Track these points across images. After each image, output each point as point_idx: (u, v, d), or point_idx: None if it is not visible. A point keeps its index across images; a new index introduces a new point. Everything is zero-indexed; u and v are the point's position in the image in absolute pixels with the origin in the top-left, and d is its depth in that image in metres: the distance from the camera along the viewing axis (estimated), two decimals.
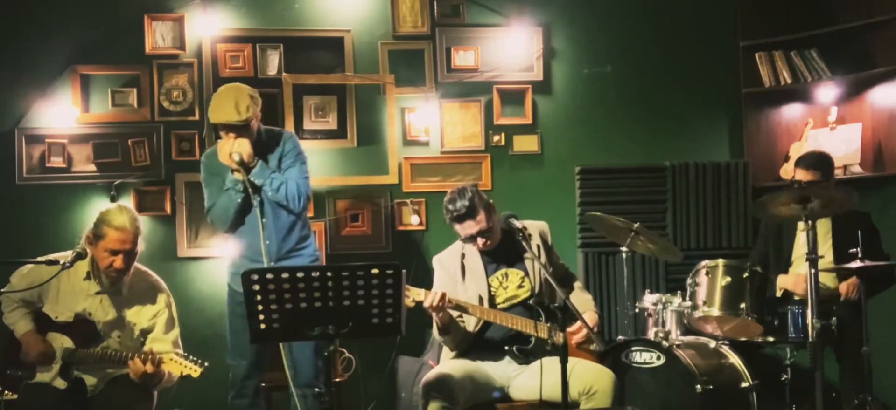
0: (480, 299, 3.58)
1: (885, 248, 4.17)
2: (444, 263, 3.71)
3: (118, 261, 3.44)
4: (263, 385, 4.06)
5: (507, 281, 3.64)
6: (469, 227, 3.56)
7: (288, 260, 3.86)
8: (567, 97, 5.14)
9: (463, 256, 3.69)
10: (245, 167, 3.74)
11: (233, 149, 3.74)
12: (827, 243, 4.19)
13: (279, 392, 4.20)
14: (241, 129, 3.77)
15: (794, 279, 4.19)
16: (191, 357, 3.44)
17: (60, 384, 3.47)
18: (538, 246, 3.70)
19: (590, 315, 3.62)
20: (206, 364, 3.44)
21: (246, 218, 3.86)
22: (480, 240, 3.60)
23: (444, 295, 3.38)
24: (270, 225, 3.83)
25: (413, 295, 3.36)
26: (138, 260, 3.71)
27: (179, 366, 3.41)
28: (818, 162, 4.21)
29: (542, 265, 3.54)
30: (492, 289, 3.62)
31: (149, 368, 3.37)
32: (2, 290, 3.57)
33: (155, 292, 3.65)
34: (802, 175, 4.17)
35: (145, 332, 3.59)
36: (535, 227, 3.76)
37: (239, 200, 3.80)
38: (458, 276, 3.65)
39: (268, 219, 3.82)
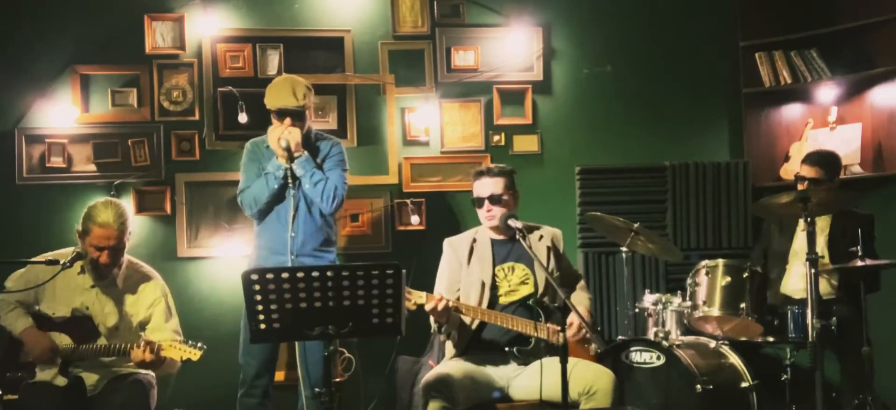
0: (483, 285, 3.61)
1: (885, 248, 4.17)
2: (454, 245, 3.76)
3: (103, 257, 3.46)
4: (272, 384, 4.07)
5: (512, 275, 3.67)
6: (484, 185, 3.68)
7: (310, 258, 3.89)
8: (567, 97, 5.14)
9: (474, 241, 3.73)
10: (290, 155, 3.79)
11: (282, 134, 3.79)
12: (822, 243, 4.19)
13: (286, 392, 4.21)
14: (295, 116, 3.85)
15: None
16: (190, 341, 3.46)
17: (61, 381, 3.47)
18: (548, 248, 3.74)
19: (582, 310, 3.62)
20: (204, 347, 3.46)
21: (276, 208, 3.91)
22: (487, 208, 3.65)
23: (445, 301, 3.38)
24: (300, 220, 3.88)
25: (415, 298, 3.36)
26: (139, 259, 3.74)
27: (179, 351, 3.43)
28: (823, 159, 4.23)
29: (542, 265, 3.54)
30: (496, 279, 3.65)
31: (147, 356, 3.38)
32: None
33: (149, 283, 3.67)
34: (807, 171, 4.19)
35: (143, 323, 3.61)
36: (549, 232, 3.82)
37: (275, 186, 3.85)
38: (464, 260, 3.69)
39: (299, 214, 3.88)
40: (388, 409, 4.64)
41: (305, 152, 3.86)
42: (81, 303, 3.55)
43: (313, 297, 2.73)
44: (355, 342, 4.36)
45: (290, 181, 3.81)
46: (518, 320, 3.52)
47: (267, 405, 3.95)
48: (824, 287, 4.10)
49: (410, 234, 4.93)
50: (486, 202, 3.65)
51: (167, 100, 4.80)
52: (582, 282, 3.90)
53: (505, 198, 3.66)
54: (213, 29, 4.81)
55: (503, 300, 3.63)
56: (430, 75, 4.99)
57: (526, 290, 3.64)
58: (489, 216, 3.66)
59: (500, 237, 3.72)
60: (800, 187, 4.15)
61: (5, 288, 3.59)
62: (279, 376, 4.27)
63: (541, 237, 3.77)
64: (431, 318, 3.52)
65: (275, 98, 3.88)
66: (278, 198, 3.89)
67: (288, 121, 3.84)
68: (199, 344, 3.45)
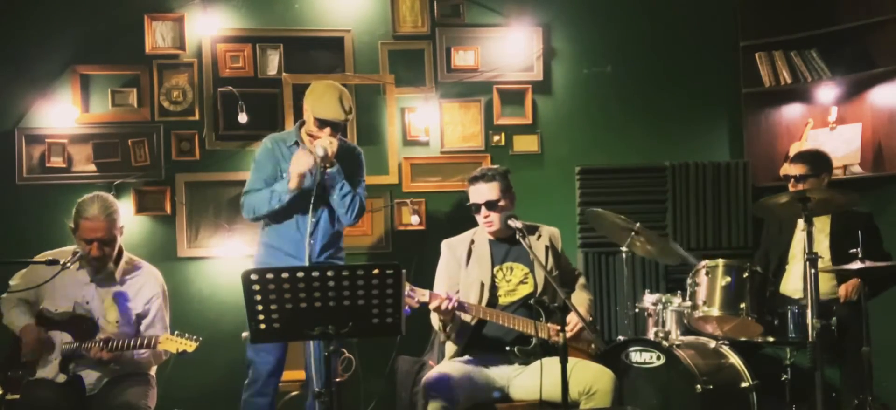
0: (482, 285, 3.60)
1: (885, 248, 4.17)
2: (452, 246, 3.75)
3: (94, 250, 3.48)
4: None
5: (511, 275, 3.67)
6: (480, 191, 3.63)
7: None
8: (567, 97, 5.14)
9: (472, 242, 3.72)
10: (323, 163, 3.75)
11: (321, 141, 3.75)
12: (824, 243, 4.20)
13: (290, 392, 4.21)
14: (338, 128, 3.85)
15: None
16: (185, 333, 3.48)
17: (61, 378, 3.49)
18: (547, 247, 3.74)
19: (582, 310, 3.62)
20: (200, 338, 3.47)
21: (296, 215, 3.86)
22: (485, 214, 3.63)
23: (449, 299, 3.38)
24: (321, 227, 3.87)
25: (418, 296, 3.36)
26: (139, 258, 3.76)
27: (175, 344, 3.45)
28: (808, 156, 4.28)
29: (541, 264, 3.55)
30: (495, 280, 3.64)
31: (144, 353, 3.44)
32: (3, 294, 3.60)
33: (148, 277, 3.70)
34: (791, 169, 4.26)
35: (141, 317, 3.64)
36: (547, 231, 3.82)
37: (276, 207, 3.80)
38: (462, 260, 3.68)
39: (321, 221, 3.87)
40: (388, 409, 4.64)
41: (337, 164, 3.82)
42: (82, 297, 3.58)
43: (313, 297, 2.73)
44: (355, 342, 4.35)
45: (315, 190, 3.74)
46: (519, 319, 3.52)
47: (274, 406, 3.95)
48: (825, 287, 4.10)
49: (410, 234, 4.93)
50: (483, 208, 3.64)
51: (167, 100, 4.80)
52: (582, 280, 3.90)
53: (501, 203, 3.64)
54: (213, 29, 4.81)
55: (503, 300, 3.63)
56: (430, 75, 4.99)
57: (525, 290, 3.65)
58: (487, 222, 3.65)
59: (498, 238, 3.72)
60: (790, 186, 4.22)
61: (10, 286, 3.62)
62: (287, 375, 4.26)
63: (539, 236, 3.77)
64: (434, 318, 3.52)
65: (324, 107, 3.80)
66: (299, 204, 3.82)
67: (328, 129, 3.81)
68: (195, 336, 3.46)
